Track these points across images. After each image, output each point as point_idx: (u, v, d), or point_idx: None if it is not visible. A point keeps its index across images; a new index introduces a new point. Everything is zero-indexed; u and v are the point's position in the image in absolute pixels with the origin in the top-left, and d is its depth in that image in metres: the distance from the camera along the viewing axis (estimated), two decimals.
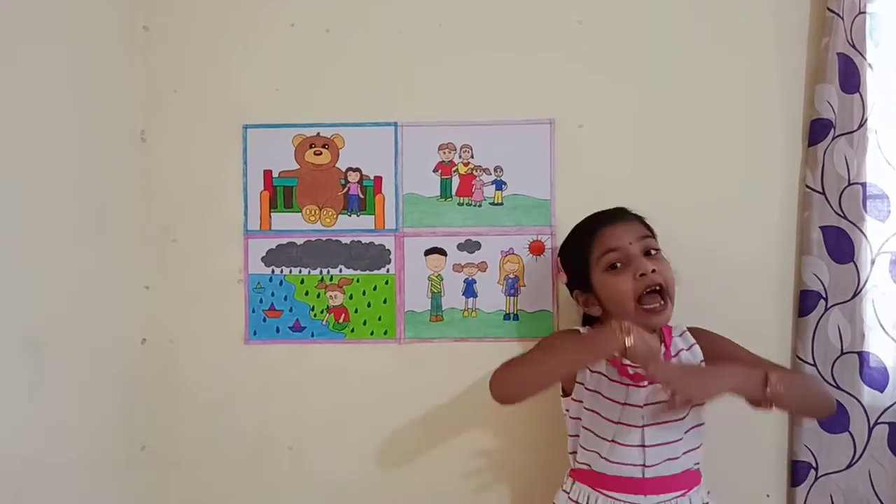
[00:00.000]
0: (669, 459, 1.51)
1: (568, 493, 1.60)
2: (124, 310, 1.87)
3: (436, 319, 1.92)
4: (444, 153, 1.92)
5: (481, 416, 1.91)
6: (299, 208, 1.93)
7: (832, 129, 1.82)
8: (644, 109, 1.90)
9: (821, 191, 1.84)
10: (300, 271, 1.93)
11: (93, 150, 1.73)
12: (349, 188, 1.93)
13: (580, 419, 1.57)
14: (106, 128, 1.80)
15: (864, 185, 1.82)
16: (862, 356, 1.82)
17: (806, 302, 1.84)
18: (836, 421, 1.83)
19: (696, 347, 1.61)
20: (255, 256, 1.93)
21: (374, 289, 1.93)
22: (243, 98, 1.93)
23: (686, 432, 1.53)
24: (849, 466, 1.84)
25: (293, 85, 1.93)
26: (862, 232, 1.82)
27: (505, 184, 1.91)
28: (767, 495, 1.91)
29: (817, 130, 1.84)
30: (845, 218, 1.83)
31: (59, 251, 1.58)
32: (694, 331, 1.64)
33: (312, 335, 1.94)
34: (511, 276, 1.92)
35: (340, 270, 1.93)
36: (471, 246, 1.92)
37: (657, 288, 1.49)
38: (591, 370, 1.56)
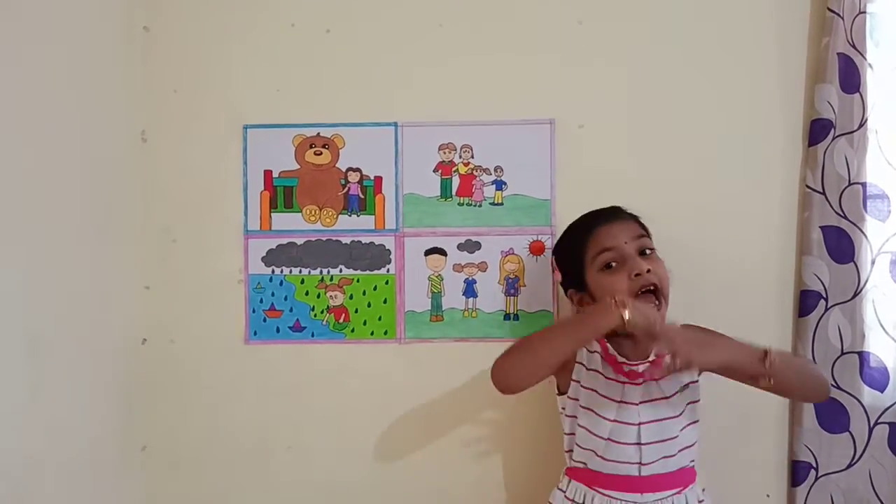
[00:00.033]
0: (665, 457, 1.51)
1: (564, 492, 1.59)
2: (124, 310, 1.87)
3: (436, 319, 1.93)
4: (445, 153, 1.92)
5: (481, 415, 1.92)
6: (299, 208, 1.93)
7: (832, 129, 1.82)
8: (644, 110, 1.90)
9: (821, 191, 1.84)
10: (300, 271, 1.93)
11: (93, 151, 1.73)
12: (349, 188, 1.93)
13: (576, 417, 1.56)
14: (106, 128, 1.80)
15: (864, 185, 1.82)
16: (862, 356, 1.82)
17: (806, 302, 1.84)
18: (836, 421, 1.83)
19: None
20: (256, 256, 1.94)
21: (375, 289, 1.93)
22: (243, 98, 1.94)
23: (682, 430, 1.53)
24: (849, 466, 1.84)
25: (293, 85, 1.94)
26: (862, 232, 1.82)
27: (505, 184, 1.91)
28: (767, 495, 1.91)
29: (817, 130, 1.84)
30: (845, 218, 1.83)
31: (59, 251, 1.58)
32: (687, 327, 1.64)
33: (313, 335, 1.94)
34: (511, 276, 1.92)
35: (341, 270, 1.93)
36: (471, 246, 1.92)
37: (652, 288, 1.50)
38: (587, 368, 1.56)
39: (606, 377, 1.55)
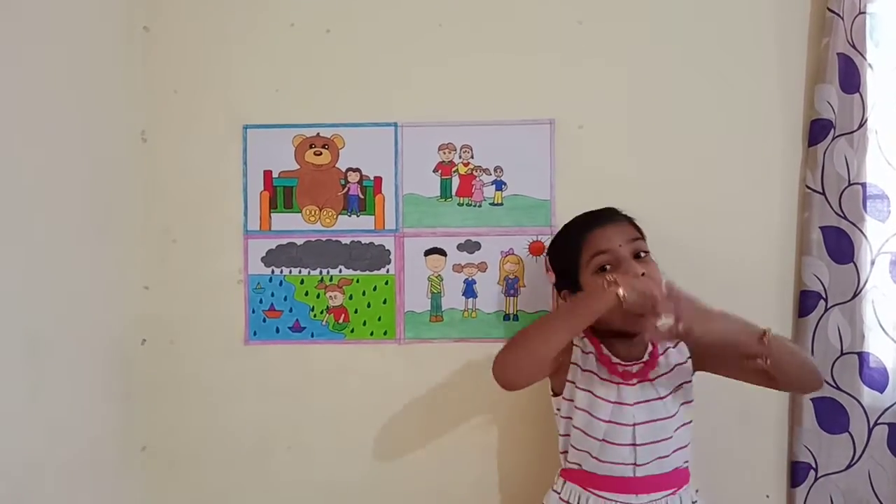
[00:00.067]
0: (660, 458, 1.51)
1: (559, 494, 1.60)
2: (124, 310, 1.87)
3: (436, 320, 1.93)
4: (444, 153, 1.92)
5: (480, 416, 1.91)
6: (299, 208, 1.93)
7: (832, 130, 1.82)
8: (644, 110, 1.90)
9: (821, 191, 1.84)
10: (300, 272, 1.94)
11: (93, 151, 1.73)
12: (349, 188, 1.93)
13: (571, 418, 1.56)
14: (106, 128, 1.80)
15: (864, 185, 1.82)
16: (862, 357, 1.82)
17: (806, 302, 1.84)
18: (835, 422, 1.83)
19: (683, 345, 1.61)
20: (255, 257, 1.94)
21: (374, 289, 1.93)
22: (243, 98, 1.94)
23: (676, 430, 1.52)
24: (848, 467, 1.84)
25: (293, 85, 1.94)
26: (862, 232, 1.82)
27: (505, 184, 1.91)
28: (767, 496, 1.91)
29: (817, 131, 1.84)
30: (845, 218, 1.83)
31: (59, 251, 1.58)
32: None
33: (312, 335, 1.94)
34: (511, 276, 1.92)
35: (340, 271, 1.93)
36: (471, 246, 1.92)
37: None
38: (582, 369, 1.56)
39: (601, 378, 1.55)
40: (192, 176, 1.94)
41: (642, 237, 1.57)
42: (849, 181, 1.82)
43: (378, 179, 1.93)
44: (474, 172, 1.92)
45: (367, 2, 1.93)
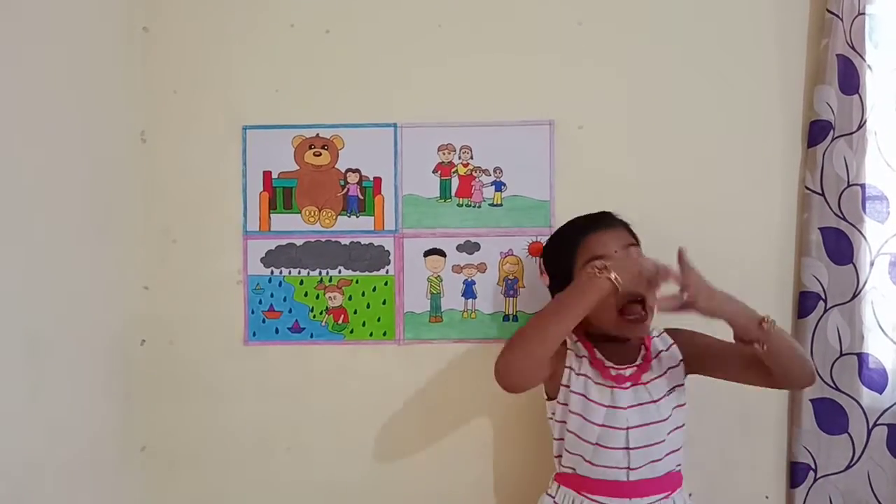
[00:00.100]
0: (653, 461, 1.51)
1: (553, 498, 1.60)
2: (124, 310, 1.87)
3: (435, 320, 1.93)
4: (444, 154, 1.92)
5: (479, 417, 1.92)
6: (299, 209, 1.93)
7: (831, 131, 1.83)
8: (644, 111, 1.90)
9: (820, 192, 1.84)
10: (299, 272, 1.94)
11: (93, 151, 1.73)
12: (348, 189, 1.93)
13: (565, 422, 1.56)
14: (106, 129, 1.80)
15: (863, 186, 1.82)
16: (861, 358, 1.83)
17: (805, 303, 1.85)
18: (835, 422, 1.83)
19: (675, 348, 1.62)
20: (255, 257, 1.94)
21: (374, 290, 1.93)
22: (243, 99, 1.94)
23: (669, 434, 1.53)
24: (848, 468, 1.84)
25: (293, 86, 1.94)
26: (861, 233, 1.82)
27: (504, 185, 1.91)
28: (766, 496, 1.91)
29: (816, 132, 1.84)
30: (844, 219, 1.83)
31: (59, 252, 1.58)
32: (671, 331, 1.66)
33: (312, 336, 1.94)
34: (510, 277, 1.92)
35: (340, 271, 1.93)
36: (470, 247, 1.92)
37: (639, 298, 1.51)
38: (576, 373, 1.56)
39: (595, 382, 1.55)
40: (191, 176, 1.94)
41: (637, 243, 1.58)
42: (848, 182, 1.83)
43: (377, 180, 1.93)
44: (474, 173, 1.92)
45: (367, 2, 1.93)
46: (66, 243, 1.62)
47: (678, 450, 1.55)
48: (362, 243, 1.93)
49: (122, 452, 1.87)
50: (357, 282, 1.93)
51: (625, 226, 1.60)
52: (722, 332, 1.54)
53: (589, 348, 1.59)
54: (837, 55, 1.82)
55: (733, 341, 1.53)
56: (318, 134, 1.93)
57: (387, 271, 1.93)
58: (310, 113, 1.93)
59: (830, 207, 1.83)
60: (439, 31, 1.92)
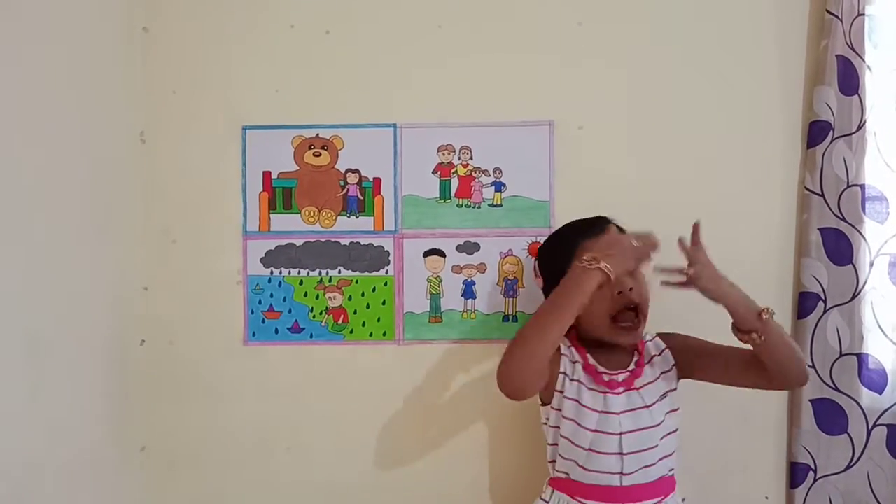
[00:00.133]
0: (646, 467, 1.51)
1: (547, 502, 1.60)
2: (124, 311, 1.87)
3: (435, 321, 1.93)
4: (444, 154, 1.92)
5: (479, 417, 1.91)
6: (298, 209, 1.93)
7: (831, 131, 1.83)
8: (643, 111, 1.90)
9: (820, 193, 1.84)
10: (299, 272, 1.93)
11: (93, 151, 1.73)
12: (348, 189, 1.93)
13: (559, 428, 1.56)
14: (105, 129, 1.80)
15: (862, 186, 1.83)
16: (861, 358, 1.83)
17: (805, 304, 1.85)
18: (834, 423, 1.83)
19: (668, 352, 1.62)
20: (254, 257, 1.94)
21: (373, 290, 1.93)
22: (242, 99, 1.94)
23: (661, 439, 1.53)
24: (847, 468, 1.84)
25: (292, 86, 1.94)
26: (861, 234, 1.82)
27: (504, 185, 1.91)
28: (766, 497, 1.91)
29: (816, 132, 1.84)
30: (844, 220, 1.83)
31: (59, 252, 1.58)
32: (663, 336, 1.66)
33: (311, 336, 1.94)
34: (510, 277, 1.92)
35: (339, 272, 1.93)
36: (470, 247, 1.92)
37: (632, 306, 1.52)
38: (570, 378, 1.56)
39: (588, 387, 1.55)
40: (191, 177, 1.94)
41: None
42: (847, 183, 1.83)
43: (377, 180, 1.93)
44: (473, 174, 1.92)
45: (367, 3, 1.93)
46: (66, 243, 1.62)
47: (671, 455, 1.55)
48: (362, 244, 1.93)
49: (122, 452, 1.87)
50: (357, 282, 1.93)
51: (622, 232, 1.60)
52: (716, 335, 1.56)
53: (582, 354, 1.59)
54: (837, 56, 1.82)
55: (725, 345, 1.56)
56: (317, 134, 1.93)
57: (386, 272, 1.93)
58: (309, 113, 1.93)
59: (830, 208, 1.84)
60: (439, 31, 1.92)
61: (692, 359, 1.60)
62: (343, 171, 1.93)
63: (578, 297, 1.39)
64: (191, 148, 1.94)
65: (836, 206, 1.83)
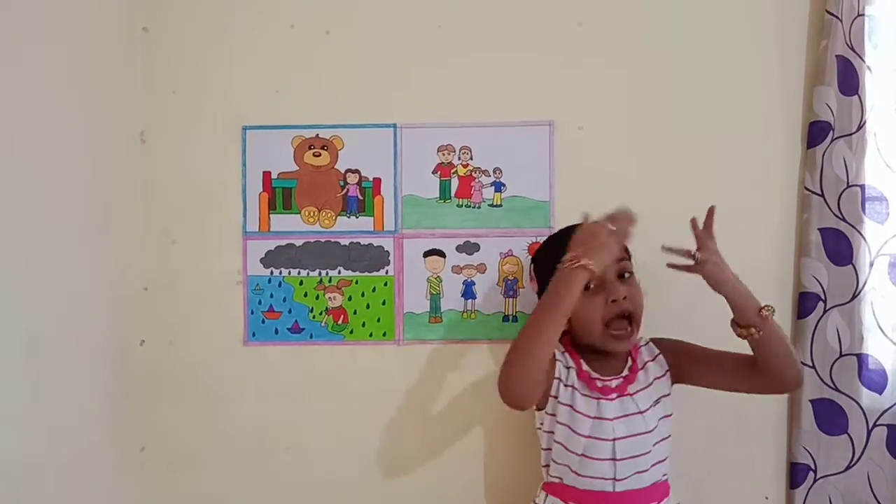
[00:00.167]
0: (639, 472, 1.51)
1: None
2: (123, 311, 1.87)
3: (435, 321, 1.92)
4: (444, 155, 1.92)
5: (479, 417, 1.91)
6: (298, 210, 1.93)
7: (831, 132, 1.83)
8: (643, 111, 1.90)
9: (820, 193, 1.84)
10: (299, 273, 1.93)
11: (92, 151, 1.73)
12: (348, 189, 1.93)
13: (552, 433, 1.56)
14: (105, 129, 1.80)
15: (862, 187, 1.83)
16: (861, 358, 1.83)
17: (805, 304, 1.85)
18: (834, 423, 1.83)
19: (661, 357, 1.63)
20: (254, 258, 1.94)
21: (373, 290, 1.93)
22: (242, 99, 1.94)
23: (654, 445, 1.53)
24: (847, 468, 1.84)
25: (292, 86, 1.94)
26: (861, 234, 1.82)
27: (504, 185, 1.91)
28: (766, 497, 1.91)
29: (816, 133, 1.84)
30: (844, 220, 1.83)
31: (58, 252, 1.58)
32: (656, 341, 1.66)
33: (311, 337, 1.94)
34: (510, 277, 1.92)
35: (339, 272, 1.93)
36: (470, 247, 1.92)
37: (626, 314, 1.52)
38: (564, 384, 1.55)
39: (581, 393, 1.55)
40: (191, 177, 1.94)
41: (628, 257, 1.58)
42: (847, 183, 1.83)
43: (377, 181, 1.93)
44: (473, 174, 1.92)
45: (367, 3, 1.93)
46: (66, 243, 1.62)
47: (664, 460, 1.56)
48: (362, 244, 1.93)
49: (122, 453, 1.87)
50: (357, 282, 1.93)
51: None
52: (714, 336, 1.57)
53: (576, 359, 1.59)
54: (837, 56, 1.82)
55: (718, 350, 1.57)
56: (317, 134, 1.93)
57: (386, 272, 1.93)
58: (309, 113, 1.93)
59: (830, 208, 1.84)
60: (439, 31, 1.92)
61: (686, 363, 1.61)
62: (343, 172, 1.93)
63: (566, 299, 1.38)
64: (191, 148, 1.94)
65: (836, 206, 1.83)
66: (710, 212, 1.51)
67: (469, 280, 1.92)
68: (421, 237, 1.92)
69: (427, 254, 1.92)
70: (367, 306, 1.93)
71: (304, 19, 1.93)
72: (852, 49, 1.82)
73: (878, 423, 1.83)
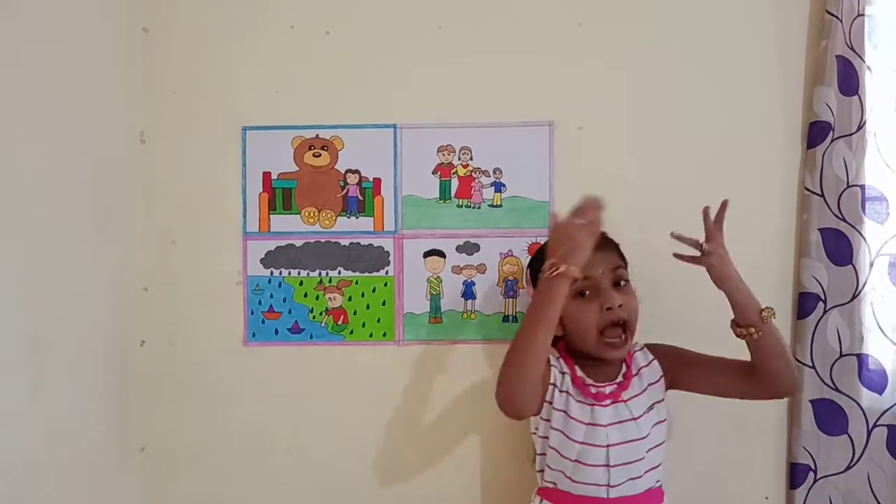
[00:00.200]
0: (633, 479, 1.51)
1: None
2: (123, 311, 1.87)
3: (435, 321, 1.92)
4: (444, 155, 1.92)
5: (477, 419, 1.91)
6: (298, 210, 1.93)
7: (831, 132, 1.83)
8: (643, 112, 1.90)
9: (820, 193, 1.84)
10: (299, 273, 1.93)
11: (92, 152, 1.73)
12: (348, 190, 1.93)
13: (547, 438, 1.56)
14: (105, 129, 1.80)
15: (862, 187, 1.82)
16: (861, 359, 1.83)
17: (805, 304, 1.85)
18: (834, 423, 1.83)
19: (655, 363, 1.62)
20: (254, 258, 1.94)
21: (373, 290, 1.93)
22: (242, 100, 1.93)
23: (648, 451, 1.53)
24: (847, 469, 1.84)
25: (292, 87, 1.94)
26: (861, 234, 1.82)
27: (504, 186, 1.91)
28: (766, 498, 1.91)
29: (816, 133, 1.84)
30: (844, 220, 1.83)
31: (59, 252, 1.58)
32: (651, 346, 1.66)
33: (311, 337, 1.94)
34: (510, 278, 1.92)
35: (339, 272, 1.93)
36: (469, 248, 1.92)
37: (620, 322, 1.51)
38: (559, 390, 1.55)
39: (576, 399, 1.55)
40: (191, 177, 1.94)
41: (625, 265, 1.59)
42: (847, 183, 1.83)
43: (377, 181, 1.93)
44: (473, 174, 1.92)
45: (367, 3, 1.93)
46: (66, 243, 1.62)
47: (657, 466, 1.56)
48: (362, 244, 1.93)
49: (122, 453, 1.87)
50: (357, 283, 1.93)
51: (615, 247, 1.60)
52: (710, 339, 1.57)
53: (570, 365, 1.59)
54: (837, 56, 1.82)
55: (713, 355, 1.58)
56: (317, 135, 1.93)
57: (386, 272, 1.93)
58: (309, 114, 1.93)
59: (830, 208, 1.84)
60: (439, 31, 1.92)
61: (680, 369, 1.61)
62: (343, 172, 1.93)
63: (551, 309, 1.37)
64: (191, 148, 1.94)
65: (836, 206, 1.83)
66: (723, 205, 1.52)
67: (469, 280, 1.92)
68: (421, 237, 1.92)
69: (427, 254, 1.92)
70: (367, 307, 1.93)
71: (304, 19, 1.93)
72: (852, 49, 1.82)
73: (878, 423, 1.83)
